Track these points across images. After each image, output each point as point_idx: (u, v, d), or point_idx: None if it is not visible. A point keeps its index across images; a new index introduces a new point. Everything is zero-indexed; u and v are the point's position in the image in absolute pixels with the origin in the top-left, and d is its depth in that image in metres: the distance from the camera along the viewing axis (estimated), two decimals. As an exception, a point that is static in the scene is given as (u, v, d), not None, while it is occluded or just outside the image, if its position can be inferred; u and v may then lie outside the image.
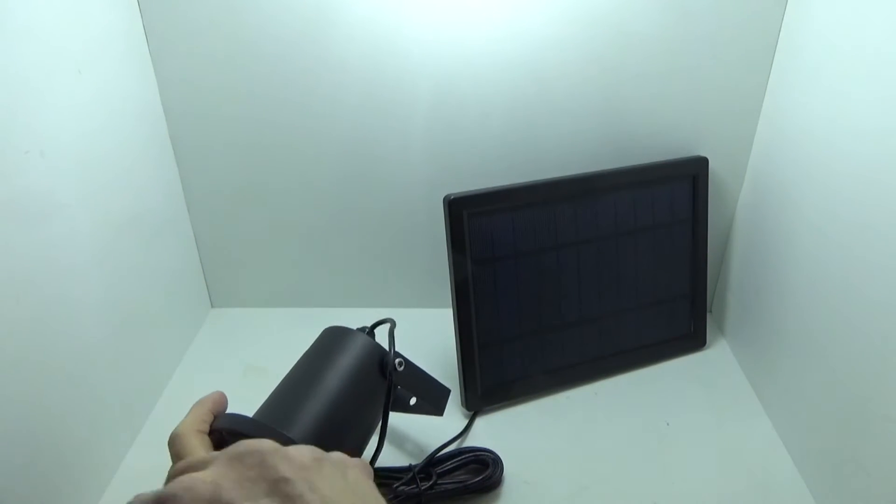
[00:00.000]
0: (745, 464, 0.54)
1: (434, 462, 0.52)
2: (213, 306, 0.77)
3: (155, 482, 0.53)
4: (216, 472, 0.29)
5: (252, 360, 0.67)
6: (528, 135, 0.63)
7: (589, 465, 0.54)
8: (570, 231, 0.60)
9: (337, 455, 0.32)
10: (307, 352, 0.47)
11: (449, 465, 0.52)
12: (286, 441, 0.35)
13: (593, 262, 0.62)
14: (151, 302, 0.61)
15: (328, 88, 0.61)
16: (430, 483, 0.49)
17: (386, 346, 0.47)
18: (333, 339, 0.46)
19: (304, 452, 0.30)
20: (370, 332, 0.49)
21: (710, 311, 0.73)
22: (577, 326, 0.63)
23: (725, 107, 0.61)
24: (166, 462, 0.58)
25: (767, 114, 0.60)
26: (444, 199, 0.55)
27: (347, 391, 0.42)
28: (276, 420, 0.39)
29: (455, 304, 0.58)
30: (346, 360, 0.44)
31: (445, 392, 0.53)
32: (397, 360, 0.46)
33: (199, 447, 0.34)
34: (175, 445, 0.35)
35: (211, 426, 0.37)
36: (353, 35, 0.59)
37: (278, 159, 0.66)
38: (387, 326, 0.49)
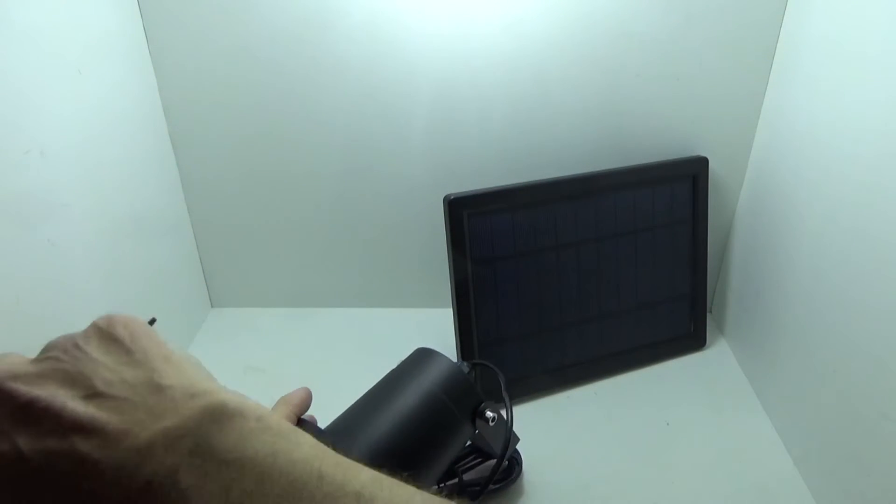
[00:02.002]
0: (745, 464, 0.54)
1: (455, 460, 0.50)
2: (213, 306, 0.77)
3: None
4: None
5: (252, 360, 0.67)
6: (528, 135, 0.63)
7: (589, 465, 0.54)
8: (570, 231, 0.60)
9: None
10: (402, 369, 0.44)
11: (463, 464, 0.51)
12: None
13: (593, 262, 0.62)
14: (151, 302, 0.61)
15: (328, 88, 0.61)
16: (456, 481, 0.49)
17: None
18: (429, 363, 0.43)
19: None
20: (471, 369, 0.45)
21: (710, 311, 0.73)
22: (577, 326, 0.63)
23: (725, 107, 0.61)
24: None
25: (767, 114, 0.60)
26: (444, 199, 0.56)
27: (430, 431, 0.40)
28: (351, 437, 0.37)
29: (455, 304, 0.58)
30: (435, 390, 0.41)
31: (515, 440, 0.50)
32: (490, 414, 0.43)
33: None
34: None
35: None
36: (354, 36, 0.59)
37: (278, 159, 0.66)
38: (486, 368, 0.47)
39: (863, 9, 0.46)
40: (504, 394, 0.45)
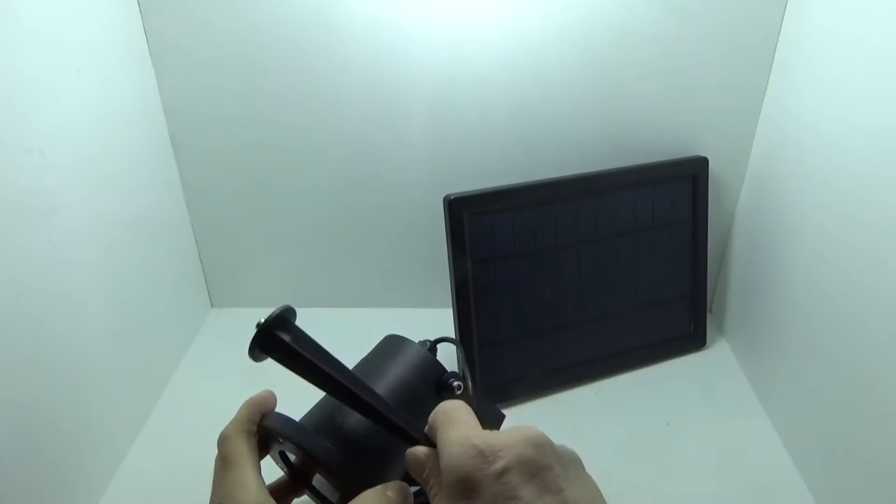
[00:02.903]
0: (745, 464, 0.54)
1: None
2: (213, 306, 0.77)
3: (155, 482, 0.53)
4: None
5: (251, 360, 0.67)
6: (528, 135, 0.63)
7: (589, 466, 0.54)
8: (570, 231, 0.60)
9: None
10: (366, 357, 0.46)
11: None
12: (327, 451, 0.35)
13: (593, 262, 0.62)
14: (151, 302, 0.61)
15: (328, 88, 0.61)
16: None
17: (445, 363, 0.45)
18: (393, 348, 0.45)
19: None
20: (432, 347, 0.47)
21: (710, 311, 0.73)
22: (577, 326, 0.63)
23: (725, 107, 0.61)
24: (166, 462, 0.58)
25: (767, 114, 0.60)
26: (444, 199, 0.56)
27: (401, 406, 0.40)
28: (321, 426, 0.38)
29: (455, 304, 0.58)
30: (402, 374, 0.43)
31: (500, 417, 0.51)
32: (456, 383, 0.44)
33: (245, 451, 0.35)
34: (223, 447, 0.35)
35: (259, 425, 0.37)
36: (354, 36, 0.59)
37: (278, 159, 0.66)
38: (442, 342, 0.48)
39: (863, 9, 0.46)
40: (462, 364, 0.46)
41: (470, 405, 0.43)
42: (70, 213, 0.48)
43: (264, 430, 0.37)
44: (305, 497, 0.42)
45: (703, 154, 0.63)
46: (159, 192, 0.64)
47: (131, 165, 0.57)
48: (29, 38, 0.44)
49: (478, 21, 0.58)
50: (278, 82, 0.61)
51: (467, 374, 0.45)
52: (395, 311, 0.75)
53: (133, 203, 0.58)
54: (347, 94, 0.62)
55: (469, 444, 0.27)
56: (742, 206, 0.66)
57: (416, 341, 0.46)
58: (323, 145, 0.65)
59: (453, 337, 0.48)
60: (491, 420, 0.51)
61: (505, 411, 0.60)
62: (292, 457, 0.40)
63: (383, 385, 0.42)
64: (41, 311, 0.45)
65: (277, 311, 0.35)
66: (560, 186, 0.59)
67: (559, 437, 0.60)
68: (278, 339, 0.35)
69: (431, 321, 0.67)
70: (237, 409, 0.39)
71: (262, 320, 0.34)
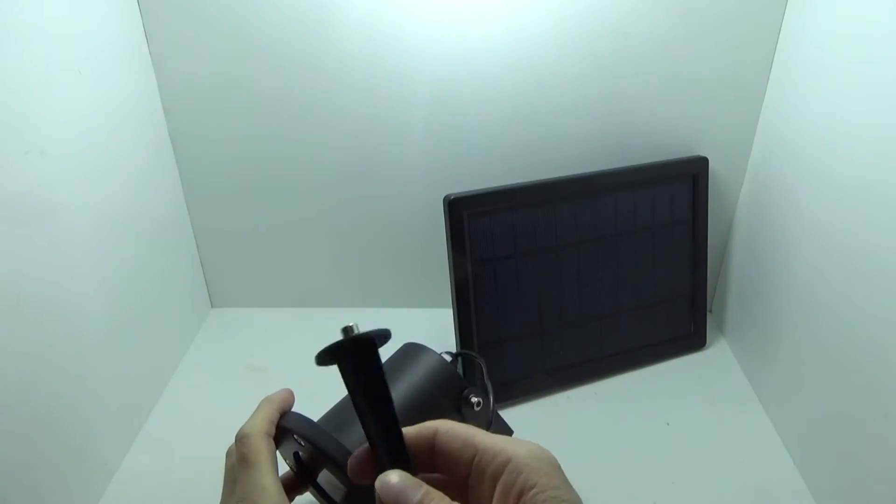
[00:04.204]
0: (745, 464, 0.54)
1: None
2: (213, 306, 0.77)
3: (155, 482, 0.53)
4: None
5: (252, 360, 0.67)
6: (528, 135, 0.63)
7: (589, 466, 0.54)
8: (570, 231, 0.60)
9: None
10: (389, 363, 0.46)
11: None
12: (344, 451, 0.35)
13: (593, 262, 0.62)
14: (151, 302, 0.61)
15: (328, 88, 0.61)
16: None
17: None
18: (417, 357, 0.45)
19: None
20: (454, 359, 0.47)
21: (710, 311, 0.73)
22: (577, 326, 0.63)
23: (725, 107, 0.61)
24: (166, 462, 0.58)
25: (767, 114, 0.60)
26: (444, 199, 0.56)
27: (417, 415, 0.40)
28: (338, 428, 0.38)
29: (455, 304, 0.58)
30: (424, 383, 0.43)
31: (509, 433, 0.51)
32: (475, 399, 0.44)
33: (265, 452, 0.35)
34: (243, 446, 0.35)
35: (277, 424, 0.37)
36: (353, 36, 0.59)
37: (278, 159, 0.66)
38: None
39: (862, 9, 0.46)
40: (486, 380, 0.46)
41: (489, 420, 0.43)
42: (70, 213, 0.48)
43: (283, 430, 0.37)
44: (307, 495, 0.42)
45: (703, 154, 0.63)
46: (159, 192, 0.64)
47: (131, 165, 0.57)
48: (29, 39, 0.44)
49: (478, 20, 0.58)
50: (278, 82, 0.61)
51: (490, 391, 0.44)
52: (395, 311, 0.75)
53: (133, 203, 0.58)
54: (348, 95, 0.62)
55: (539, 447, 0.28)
56: (742, 206, 0.66)
57: (440, 353, 0.45)
58: (323, 145, 0.65)
59: (478, 356, 0.48)
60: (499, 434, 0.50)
61: (505, 411, 0.61)
62: (302, 454, 0.40)
63: (405, 392, 0.41)
64: (41, 311, 0.45)
65: (380, 330, 0.30)
66: (560, 186, 0.59)
67: (560, 437, 0.60)
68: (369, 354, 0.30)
69: (431, 321, 0.67)
70: (254, 407, 0.38)
71: (358, 329, 0.29)
